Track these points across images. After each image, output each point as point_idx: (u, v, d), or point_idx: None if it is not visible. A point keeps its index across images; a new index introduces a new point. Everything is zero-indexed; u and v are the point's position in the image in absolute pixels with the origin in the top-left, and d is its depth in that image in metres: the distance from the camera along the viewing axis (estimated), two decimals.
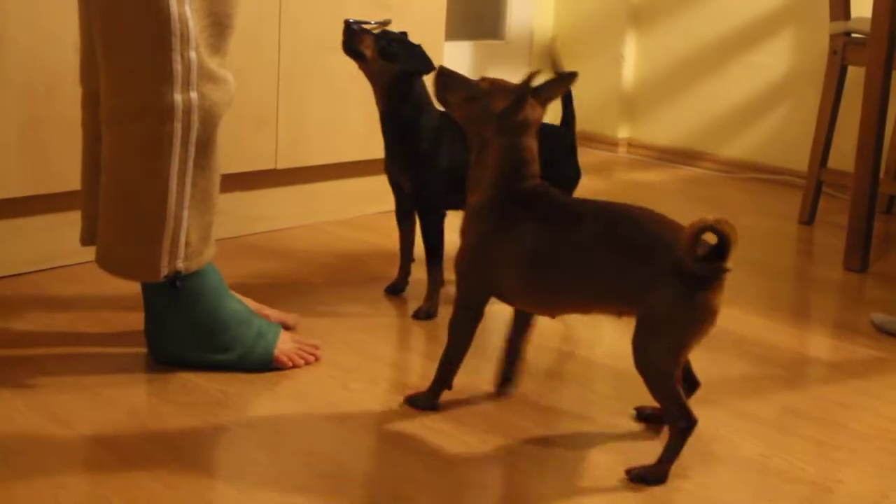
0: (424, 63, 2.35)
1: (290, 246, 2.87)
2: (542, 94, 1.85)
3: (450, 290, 2.43)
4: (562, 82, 1.89)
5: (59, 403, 1.86)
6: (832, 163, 3.51)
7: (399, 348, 2.22)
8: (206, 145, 1.92)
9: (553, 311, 1.90)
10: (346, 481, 1.68)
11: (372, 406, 1.94)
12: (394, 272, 2.71)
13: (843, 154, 3.50)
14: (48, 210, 2.48)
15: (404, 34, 2.37)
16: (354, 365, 2.11)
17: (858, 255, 2.94)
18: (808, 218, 3.50)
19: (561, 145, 2.53)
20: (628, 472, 1.71)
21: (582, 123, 2.68)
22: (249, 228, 2.93)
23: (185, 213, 1.92)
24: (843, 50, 3.41)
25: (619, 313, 1.78)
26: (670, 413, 1.70)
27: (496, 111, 1.81)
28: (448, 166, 2.39)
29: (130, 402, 1.89)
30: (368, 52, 2.32)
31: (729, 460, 1.79)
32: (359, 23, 2.34)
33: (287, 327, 2.17)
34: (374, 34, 2.33)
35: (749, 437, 1.90)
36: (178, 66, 1.84)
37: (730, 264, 1.62)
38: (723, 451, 1.82)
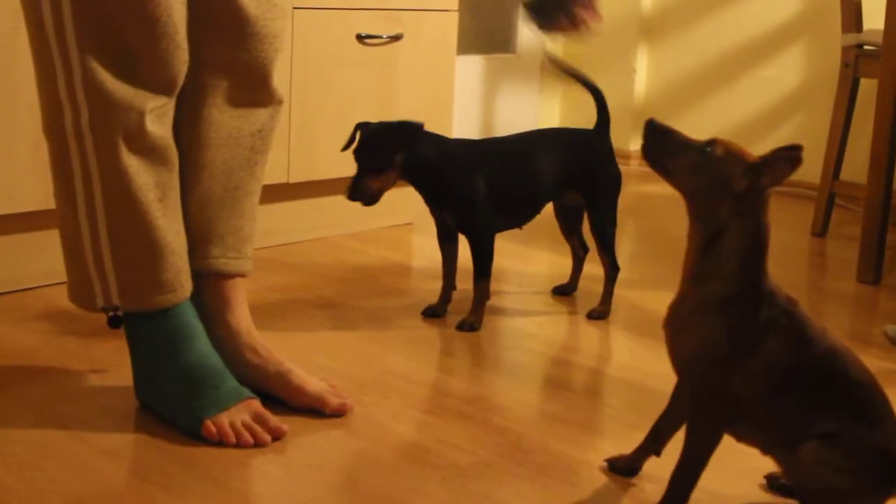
0: (405, 133, 2.35)
1: (304, 259, 2.87)
2: (770, 172, 1.53)
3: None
4: (790, 156, 1.52)
5: (71, 417, 1.86)
6: (845, 175, 3.51)
7: (412, 362, 2.21)
8: (119, 177, 1.78)
9: (749, 441, 1.65)
10: (359, 495, 1.67)
11: (384, 419, 1.93)
12: (407, 286, 2.72)
13: (856, 166, 3.49)
14: None
15: (383, 134, 2.35)
16: (367, 378, 2.10)
17: (871, 268, 2.93)
18: (821, 230, 3.49)
19: (600, 150, 2.53)
20: None
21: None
22: (263, 242, 2.93)
23: (106, 247, 1.81)
24: (855, 62, 3.40)
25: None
26: None
27: (737, 189, 1.53)
28: (487, 193, 2.38)
29: (142, 416, 1.89)
30: (385, 186, 2.36)
31: (746, 472, 1.78)
32: None
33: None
34: (356, 176, 2.34)
35: None
36: (63, 90, 1.76)
37: None
38: (737, 464, 1.81)
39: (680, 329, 1.59)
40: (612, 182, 2.53)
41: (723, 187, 1.53)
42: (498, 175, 2.40)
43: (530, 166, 2.46)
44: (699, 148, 1.55)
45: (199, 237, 1.94)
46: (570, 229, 2.64)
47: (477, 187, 2.37)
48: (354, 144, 2.36)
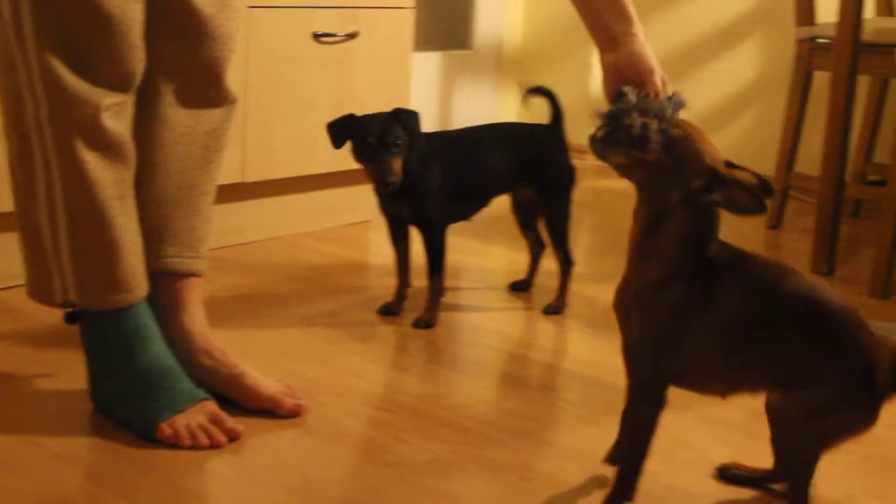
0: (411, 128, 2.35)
1: (260, 259, 2.87)
2: (725, 190, 1.50)
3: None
4: (752, 198, 1.49)
5: (25, 421, 1.86)
6: (799, 167, 3.53)
7: (368, 360, 2.22)
8: (77, 172, 1.77)
9: (730, 391, 1.63)
10: (314, 494, 1.67)
11: (340, 418, 1.93)
12: (363, 284, 2.72)
13: (810, 158, 3.52)
14: None
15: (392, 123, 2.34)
16: (322, 377, 2.10)
17: (825, 259, 2.96)
18: (776, 222, 3.52)
19: (553, 144, 2.55)
20: None
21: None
22: (218, 242, 2.92)
23: (65, 243, 1.81)
24: (808, 55, 3.43)
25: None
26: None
27: (689, 186, 1.50)
28: (442, 184, 2.39)
29: (96, 419, 1.88)
30: (399, 176, 2.32)
31: (697, 464, 1.80)
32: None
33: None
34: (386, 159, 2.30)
35: (717, 441, 1.91)
36: (24, 84, 1.76)
37: None
38: (690, 456, 1.82)
39: (625, 313, 1.60)
40: (566, 176, 2.54)
41: (677, 178, 1.50)
42: (451, 167, 2.41)
43: (482, 159, 2.46)
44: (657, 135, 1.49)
45: (153, 236, 1.93)
46: (527, 225, 2.65)
47: (435, 178, 2.38)
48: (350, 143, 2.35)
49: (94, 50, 1.75)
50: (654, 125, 1.48)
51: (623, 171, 1.54)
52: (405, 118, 2.33)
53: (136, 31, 1.79)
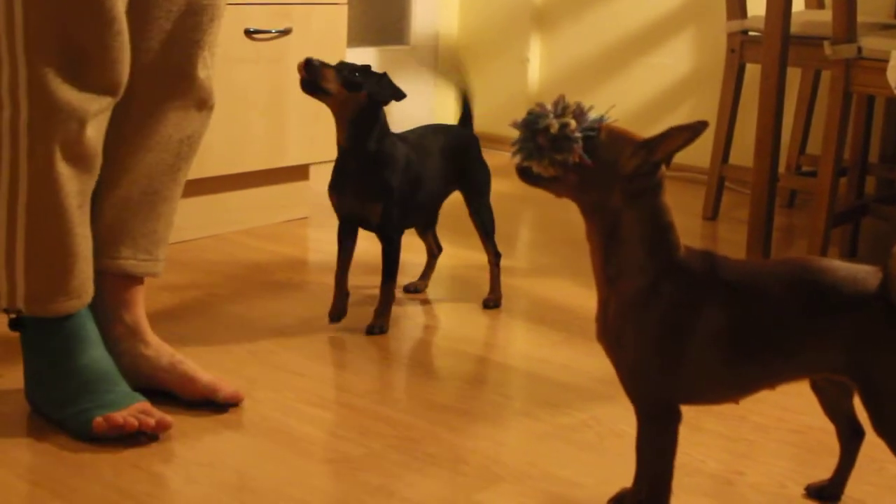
0: (394, 91, 2.31)
1: (196, 257, 2.85)
2: (663, 144, 1.44)
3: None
4: (688, 131, 1.43)
5: None
6: (734, 159, 3.57)
7: (304, 357, 2.21)
8: (49, 184, 1.75)
9: (744, 395, 1.57)
10: (250, 491, 1.67)
11: (276, 415, 1.93)
12: (302, 281, 2.72)
13: (745, 150, 3.55)
14: None
15: (368, 66, 2.31)
16: (259, 375, 2.10)
17: (759, 249, 2.99)
18: (712, 214, 3.56)
19: (475, 145, 2.55)
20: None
21: (487, 125, 2.71)
22: None
23: (21, 250, 1.79)
24: (740, 48, 3.47)
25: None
26: None
27: (625, 171, 1.45)
28: (410, 190, 2.36)
29: (32, 420, 1.87)
30: (332, 87, 2.24)
31: (630, 455, 1.81)
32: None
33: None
34: (334, 67, 2.26)
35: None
36: (5, 87, 1.73)
37: None
38: (623, 448, 1.84)
39: (615, 339, 1.51)
40: (487, 173, 2.56)
41: (611, 172, 1.44)
42: (414, 172, 2.37)
43: (434, 164, 2.44)
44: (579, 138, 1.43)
45: (110, 237, 1.92)
46: (425, 228, 2.64)
47: (404, 184, 2.34)
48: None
49: (91, 53, 1.74)
50: (572, 124, 1.43)
51: (555, 186, 1.47)
52: (373, 75, 2.30)
53: (127, 31, 1.78)
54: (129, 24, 1.79)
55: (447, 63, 2.52)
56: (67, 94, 1.72)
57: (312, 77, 2.24)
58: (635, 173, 1.44)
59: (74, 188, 1.78)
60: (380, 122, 2.31)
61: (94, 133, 1.78)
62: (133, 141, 1.91)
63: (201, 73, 1.94)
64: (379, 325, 2.35)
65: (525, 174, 1.48)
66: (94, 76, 1.75)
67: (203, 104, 1.97)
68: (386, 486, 1.70)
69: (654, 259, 1.47)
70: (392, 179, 2.31)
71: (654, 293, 1.47)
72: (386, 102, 2.31)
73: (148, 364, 1.94)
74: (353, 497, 1.67)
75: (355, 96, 2.26)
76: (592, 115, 1.45)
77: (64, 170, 1.76)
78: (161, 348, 1.96)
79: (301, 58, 2.28)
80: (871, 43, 2.78)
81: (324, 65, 2.25)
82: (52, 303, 1.82)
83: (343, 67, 2.27)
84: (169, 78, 1.92)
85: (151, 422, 1.80)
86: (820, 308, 1.49)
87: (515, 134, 1.47)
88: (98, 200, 1.87)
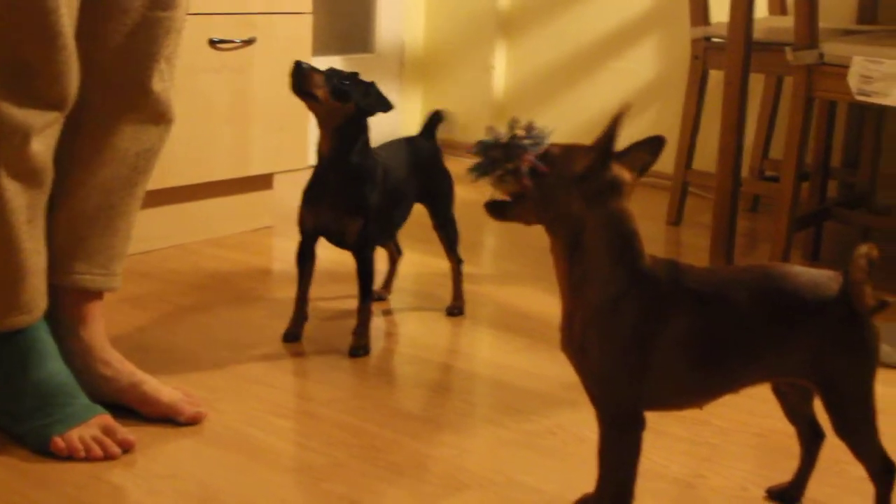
0: (382, 102, 2.28)
1: (159, 267, 2.84)
2: (629, 159, 1.50)
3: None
4: (651, 145, 1.52)
5: None
6: (697, 164, 3.59)
7: (268, 367, 2.21)
8: None
9: (708, 401, 1.59)
10: (212, 502, 1.67)
11: (238, 425, 1.93)
12: (266, 291, 2.71)
13: (708, 155, 3.57)
14: None
15: (355, 74, 2.27)
16: (222, 385, 2.10)
17: (723, 254, 3.00)
18: (676, 219, 3.57)
19: (439, 156, 2.55)
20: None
21: (452, 132, 2.70)
22: None
23: None
24: (703, 54, 3.48)
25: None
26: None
27: (575, 173, 1.47)
28: (387, 207, 2.34)
29: None
30: (321, 94, 2.21)
31: (592, 460, 1.82)
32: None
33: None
34: (324, 73, 2.22)
35: None
36: None
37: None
38: (586, 453, 1.84)
39: (580, 348, 1.51)
40: (451, 185, 2.55)
41: (567, 178, 1.46)
42: (387, 187, 2.34)
43: (405, 179, 2.42)
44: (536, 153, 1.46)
45: (65, 252, 1.90)
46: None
47: (379, 199, 2.31)
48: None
49: (35, 67, 1.71)
50: (520, 133, 1.46)
51: (520, 207, 1.50)
52: (365, 87, 2.27)
53: (74, 44, 1.75)
54: (82, 37, 1.77)
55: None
56: (9, 109, 1.70)
57: (300, 81, 2.21)
58: (588, 171, 1.46)
59: (22, 203, 1.76)
60: (364, 133, 2.28)
61: (41, 147, 1.75)
62: (87, 155, 1.89)
63: (157, 86, 1.92)
64: (363, 346, 2.30)
65: (492, 208, 1.51)
66: (39, 91, 1.73)
67: (161, 118, 1.95)
68: (350, 496, 1.69)
69: (619, 268, 1.48)
70: (371, 195, 2.28)
71: (619, 302, 1.48)
72: (373, 113, 2.29)
73: (107, 385, 1.92)
74: None
75: (342, 107, 2.23)
76: (540, 126, 1.48)
77: (9, 185, 1.73)
78: (121, 367, 1.95)
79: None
80: (832, 49, 2.79)
81: (313, 69, 2.22)
82: (2, 318, 1.80)
83: (333, 74, 2.23)
84: (124, 91, 1.90)
85: (117, 451, 1.79)
86: (782, 314, 1.51)
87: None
88: (53, 215, 1.86)
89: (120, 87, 1.90)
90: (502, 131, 1.47)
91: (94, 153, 1.90)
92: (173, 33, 1.92)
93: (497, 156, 1.46)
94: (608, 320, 1.48)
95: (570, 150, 1.48)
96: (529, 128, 1.47)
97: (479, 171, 1.48)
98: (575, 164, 1.46)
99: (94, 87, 1.85)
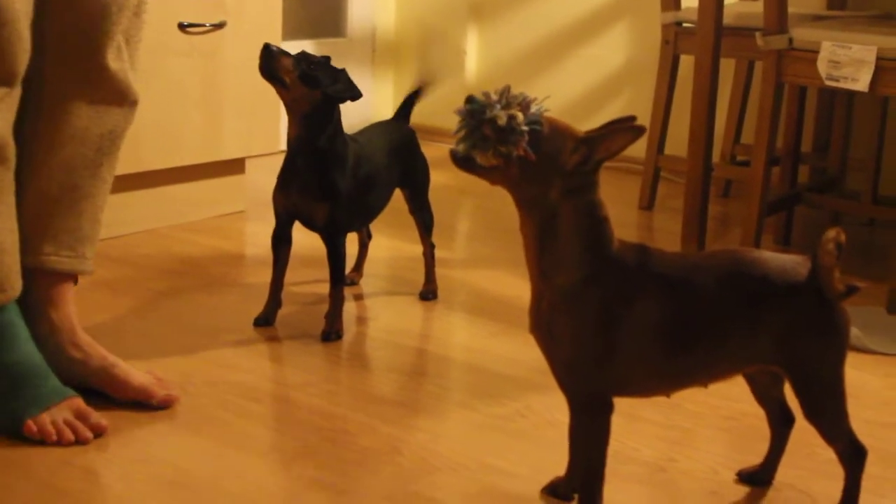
0: (350, 90, 2.25)
1: (131, 252, 2.83)
2: (604, 143, 1.45)
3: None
4: (629, 133, 1.45)
5: None
6: (669, 149, 3.59)
7: (239, 351, 2.21)
8: None
9: (676, 389, 1.61)
10: (183, 486, 1.67)
11: (210, 409, 1.93)
12: (238, 275, 2.71)
13: (680, 140, 3.58)
14: None
15: (327, 58, 2.25)
16: (194, 369, 2.09)
17: (695, 238, 3.01)
18: (648, 203, 3.58)
19: (415, 141, 2.55)
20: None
21: (425, 117, 2.70)
22: None
23: None
24: (674, 39, 3.49)
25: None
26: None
27: (566, 167, 1.45)
28: (359, 193, 2.33)
29: None
30: (288, 77, 2.19)
31: (563, 444, 1.82)
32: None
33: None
34: (294, 57, 2.20)
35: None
36: None
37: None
38: (557, 437, 1.85)
39: (548, 332, 1.51)
40: (427, 170, 2.55)
41: (552, 167, 1.44)
42: (362, 173, 2.33)
43: (382, 165, 2.41)
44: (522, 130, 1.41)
45: (33, 233, 1.90)
46: None
47: (351, 185, 2.30)
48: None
49: None
50: (520, 116, 1.41)
51: (492, 175, 1.46)
52: (338, 74, 2.25)
53: (25, 21, 1.74)
54: (33, 13, 1.76)
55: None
56: None
57: (269, 64, 2.19)
58: (576, 170, 1.45)
59: None
60: (333, 120, 2.27)
61: None
62: (48, 133, 1.89)
63: (113, 63, 1.90)
64: (335, 331, 2.29)
65: (464, 162, 1.46)
66: None
67: (122, 98, 1.93)
68: (322, 479, 1.70)
69: (589, 253, 1.48)
70: (340, 181, 2.27)
71: (588, 287, 1.48)
72: (342, 101, 2.27)
73: (78, 368, 1.91)
74: (289, 491, 1.68)
75: (310, 92, 2.21)
76: (535, 108, 1.44)
77: None
78: (91, 350, 1.94)
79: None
80: (802, 34, 2.80)
81: (282, 52, 2.20)
82: None
83: (302, 59, 2.21)
84: (77, 68, 1.88)
85: (89, 435, 1.78)
86: (751, 299, 1.52)
87: (455, 124, 1.45)
88: (19, 195, 1.85)
89: (74, 64, 1.88)
90: (494, 98, 1.42)
91: (55, 132, 1.89)
92: (127, 10, 1.90)
93: (490, 135, 1.41)
94: (575, 304, 1.49)
95: (559, 138, 1.44)
96: (525, 106, 1.42)
97: (469, 144, 1.43)
98: (563, 156, 1.44)
99: (50, 64, 1.85)
